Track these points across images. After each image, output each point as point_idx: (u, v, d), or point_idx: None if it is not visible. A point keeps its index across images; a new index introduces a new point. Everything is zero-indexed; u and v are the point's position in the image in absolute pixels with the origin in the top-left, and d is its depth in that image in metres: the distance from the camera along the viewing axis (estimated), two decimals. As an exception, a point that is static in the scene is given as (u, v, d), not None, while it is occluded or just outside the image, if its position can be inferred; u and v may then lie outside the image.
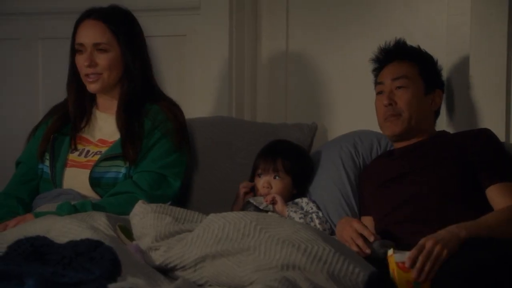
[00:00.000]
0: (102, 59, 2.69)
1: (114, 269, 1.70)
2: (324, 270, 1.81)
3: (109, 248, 1.77)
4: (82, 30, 2.71)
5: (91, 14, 2.72)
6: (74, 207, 2.44)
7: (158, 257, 2.02)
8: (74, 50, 2.73)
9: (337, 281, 1.80)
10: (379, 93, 2.63)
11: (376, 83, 2.67)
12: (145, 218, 2.10)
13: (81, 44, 2.70)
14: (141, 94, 2.75)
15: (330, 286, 1.78)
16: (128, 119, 2.70)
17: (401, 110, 2.56)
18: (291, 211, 2.62)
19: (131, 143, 2.66)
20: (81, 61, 2.70)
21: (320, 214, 2.66)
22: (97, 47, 2.69)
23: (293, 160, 2.72)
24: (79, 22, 2.73)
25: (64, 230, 2.07)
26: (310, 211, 2.66)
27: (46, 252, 1.80)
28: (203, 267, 1.95)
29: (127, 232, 2.17)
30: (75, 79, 2.76)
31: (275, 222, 1.96)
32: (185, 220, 2.11)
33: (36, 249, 1.79)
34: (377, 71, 2.70)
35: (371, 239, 2.28)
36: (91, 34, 2.69)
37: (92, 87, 2.71)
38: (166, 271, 2.02)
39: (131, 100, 2.73)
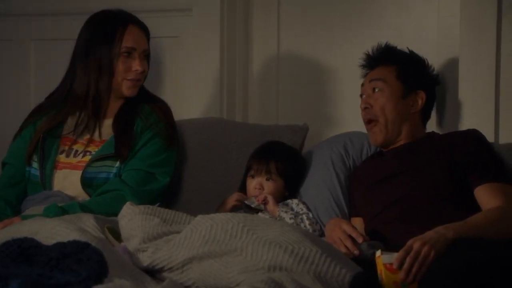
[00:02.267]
0: (146, 65, 2.76)
1: (100, 271, 1.70)
2: (311, 271, 1.81)
3: (96, 249, 1.77)
4: (133, 34, 2.72)
5: (133, 20, 2.76)
6: (62, 208, 2.44)
7: (145, 259, 2.01)
8: (111, 53, 2.70)
9: (324, 282, 1.80)
10: (360, 95, 2.69)
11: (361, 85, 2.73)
12: (133, 219, 2.10)
13: (133, 48, 2.71)
14: (138, 95, 2.78)
15: (317, 287, 1.78)
16: (124, 118, 2.72)
17: (377, 115, 2.60)
18: (282, 211, 2.63)
19: (125, 141, 2.67)
20: (130, 64, 2.70)
21: (311, 215, 2.67)
22: (145, 53, 2.75)
23: (286, 162, 2.73)
24: (125, 26, 2.72)
25: (52, 231, 2.07)
26: (301, 212, 2.67)
27: (34, 254, 1.80)
28: (190, 269, 1.95)
29: (116, 233, 2.17)
30: (112, 81, 2.72)
31: (263, 223, 1.96)
32: (173, 222, 2.10)
33: (24, 250, 1.79)
34: (364, 76, 2.75)
35: (360, 240, 2.30)
36: (142, 40, 2.75)
37: (131, 92, 2.74)
38: (154, 273, 2.01)
39: (132, 100, 2.76)
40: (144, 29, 2.77)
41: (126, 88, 2.73)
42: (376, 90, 2.62)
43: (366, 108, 2.62)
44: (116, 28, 2.71)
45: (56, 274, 1.64)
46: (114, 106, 2.76)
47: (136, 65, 2.71)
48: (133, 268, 1.97)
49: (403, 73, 2.63)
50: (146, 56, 2.76)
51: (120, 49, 2.70)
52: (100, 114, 2.74)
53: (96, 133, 2.74)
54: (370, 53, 2.73)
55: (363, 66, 2.76)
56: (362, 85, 2.70)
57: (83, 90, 2.72)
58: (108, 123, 2.75)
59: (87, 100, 2.72)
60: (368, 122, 2.63)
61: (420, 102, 2.63)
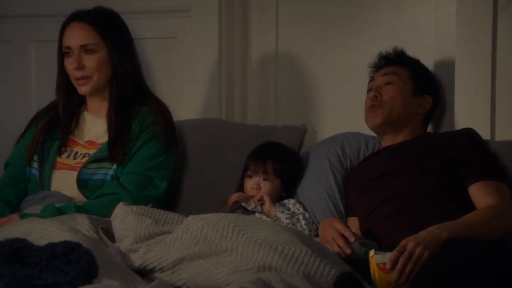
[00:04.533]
0: (90, 61, 2.68)
1: (89, 271, 1.70)
2: (300, 272, 1.81)
3: (86, 250, 1.78)
4: (68, 33, 2.71)
5: (76, 17, 2.72)
6: (58, 209, 2.45)
7: (137, 259, 2.02)
8: (62, 54, 2.73)
9: (313, 282, 1.80)
10: (368, 90, 2.69)
11: (369, 82, 2.73)
12: (125, 220, 2.11)
13: (68, 47, 2.69)
14: (131, 95, 2.75)
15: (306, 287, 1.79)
16: (118, 120, 2.70)
17: (384, 102, 2.61)
18: (278, 211, 2.64)
19: (119, 145, 2.67)
20: (69, 64, 2.69)
21: (307, 215, 2.67)
22: (84, 48, 2.68)
23: (283, 163, 2.74)
24: (64, 25, 2.73)
25: (45, 232, 2.07)
26: (297, 212, 2.67)
27: (26, 254, 1.81)
28: (181, 269, 1.95)
29: (109, 234, 2.17)
30: (64, 82, 2.76)
31: (254, 223, 1.96)
32: (165, 222, 2.11)
33: (15, 251, 1.80)
34: (372, 74, 2.75)
35: (352, 239, 2.31)
36: (77, 36, 2.68)
37: (82, 90, 2.71)
38: (146, 273, 2.02)
39: (122, 101, 2.72)
40: (88, 22, 2.70)
41: (77, 87, 2.73)
42: (388, 84, 2.63)
43: (375, 97, 2.62)
44: (61, 29, 2.74)
45: (44, 275, 1.64)
46: (101, 106, 2.76)
47: (71, 62, 2.69)
48: (124, 268, 1.97)
49: (416, 74, 2.67)
50: (88, 51, 2.68)
51: (62, 49, 2.72)
52: (73, 115, 2.77)
53: (95, 135, 2.75)
54: (384, 53, 2.75)
55: (374, 65, 2.76)
56: (372, 79, 2.71)
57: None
58: (97, 121, 2.76)
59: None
60: (372, 106, 2.63)
61: (427, 106, 2.66)
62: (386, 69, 2.69)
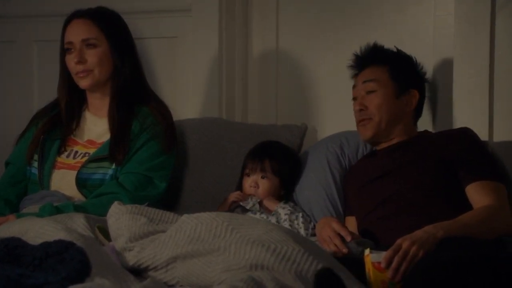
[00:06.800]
0: (92, 55, 2.70)
1: (82, 270, 1.71)
2: (292, 270, 1.82)
3: (80, 249, 1.78)
4: (70, 29, 2.73)
5: (77, 14, 2.75)
6: (57, 208, 2.46)
7: (131, 258, 2.02)
8: (64, 52, 2.75)
9: (305, 280, 1.80)
10: (354, 99, 2.67)
11: (353, 87, 2.71)
12: (120, 219, 2.11)
13: (70, 43, 2.71)
14: (131, 95, 2.76)
15: (298, 286, 1.79)
16: (121, 119, 2.71)
17: (371, 114, 2.58)
18: (280, 207, 2.64)
19: (120, 144, 2.68)
20: (71, 59, 2.71)
21: (304, 215, 2.67)
22: (85, 42, 2.70)
23: (281, 161, 2.75)
24: (66, 23, 2.76)
25: (40, 231, 2.08)
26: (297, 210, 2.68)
27: (21, 254, 1.82)
28: (175, 268, 1.95)
29: (106, 233, 2.18)
30: (66, 80, 2.78)
31: (247, 222, 1.97)
32: (159, 221, 2.11)
33: (10, 250, 1.81)
34: (355, 77, 2.74)
35: (348, 238, 2.31)
36: (79, 31, 2.71)
37: (83, 83, 2.72)
38: (140, 272, 2.03)
39: (123, 99, 2.73)
40: (89, 18, 2.73)
41: (78, 82, 2.74)
42: (370, 92, 2.60)
43: (361, 110, 2.60)
44: (63, 27, 2.76)
45: (36, 274, 1.65)
46: (102, 103, 2.77)
47: (73, 58, 2.71)
48: (117, 267, 1.97)
49: (395, 72, 2.62)
50: (89, 45, 2.71)
51: (64, 47, 2.74)
52: (74, 114, 2.78)
53: (95, 135, 2.76)
54: (359, 53, 2.73)
55: (352, 67, 2.74)
56: (354, 87, 2.69)
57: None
58: (97, 121, 2.77)
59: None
60: (360, 120, 2.62)
61: (414, 101, 2.62)
62: (365, 73, 2.65)
